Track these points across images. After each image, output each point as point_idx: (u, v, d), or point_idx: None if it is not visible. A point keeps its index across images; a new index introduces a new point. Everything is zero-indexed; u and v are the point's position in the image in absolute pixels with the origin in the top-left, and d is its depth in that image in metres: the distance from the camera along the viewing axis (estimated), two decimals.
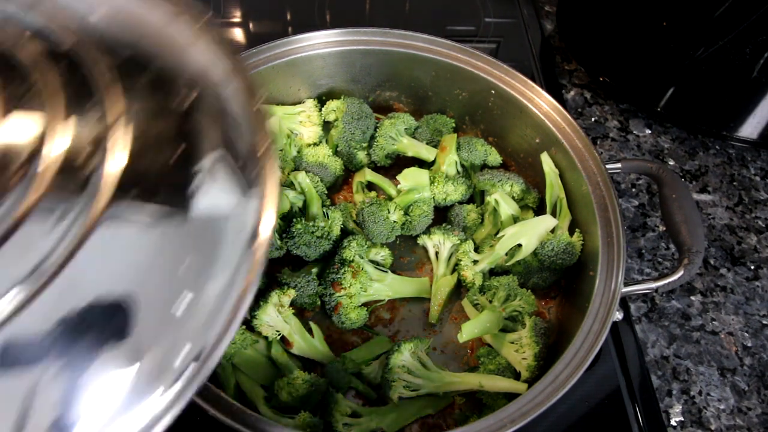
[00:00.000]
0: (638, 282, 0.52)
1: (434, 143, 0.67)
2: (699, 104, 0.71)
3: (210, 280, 0.33)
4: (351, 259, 0.58)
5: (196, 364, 0.31)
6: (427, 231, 0.63)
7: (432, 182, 0.63)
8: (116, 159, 0.32)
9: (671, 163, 0.73)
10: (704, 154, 0.74)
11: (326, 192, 0.65)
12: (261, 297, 0.54)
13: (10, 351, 0.28)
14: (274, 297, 0.54)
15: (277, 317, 0.54)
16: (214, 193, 0.35)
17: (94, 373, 0.29)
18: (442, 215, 0.65)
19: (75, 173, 0.32)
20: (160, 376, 0.31)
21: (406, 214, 0.63)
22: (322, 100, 0.69)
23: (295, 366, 0.54)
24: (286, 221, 0.60)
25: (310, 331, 0.56)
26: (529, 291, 0.58)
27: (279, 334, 0.54)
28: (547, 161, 0.61)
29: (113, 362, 0.30)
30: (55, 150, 0.31)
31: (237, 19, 0.85)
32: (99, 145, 0.32)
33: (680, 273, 0.51)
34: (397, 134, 0.66)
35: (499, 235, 0.59)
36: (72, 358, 0.29)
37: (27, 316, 0.28)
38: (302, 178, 0.62)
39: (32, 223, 0.29)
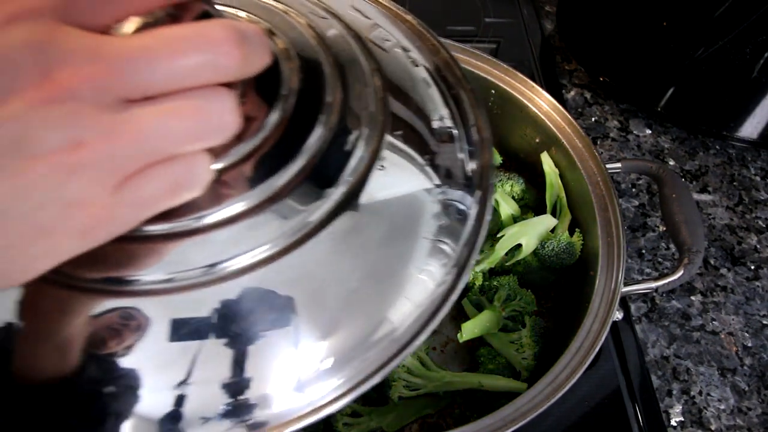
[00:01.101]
0: (638, 282, 0.52)
1: None
2: (699, 104, 0.71)
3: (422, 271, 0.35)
4: None
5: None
6: None
7: None
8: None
9: (671, 163, 0.72)
10: (704, 154, 0.74)
11: None
12: None
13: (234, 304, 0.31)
14: None
15: None
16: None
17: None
18: None
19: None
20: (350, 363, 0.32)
21: None
22: None
23: None
24: None
25: None
26: (529, 291, 0.58)
27: None
28: (547, 161, 0.61)
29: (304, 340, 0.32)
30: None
31: None
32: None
33: (680, 273, 0.51)
34: None
35: (499, 235, 0.59)
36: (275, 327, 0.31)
37: (259, 275, 0.31)
38: None
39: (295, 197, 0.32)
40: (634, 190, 0.70)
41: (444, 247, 0.35)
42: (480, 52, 0.64)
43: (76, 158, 0.22)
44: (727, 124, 0.71)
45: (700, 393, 0.56)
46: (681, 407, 0.55)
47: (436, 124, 0.39)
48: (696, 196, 0.69)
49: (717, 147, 0.74)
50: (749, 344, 0.59)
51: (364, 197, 0.33)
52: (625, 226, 0.54)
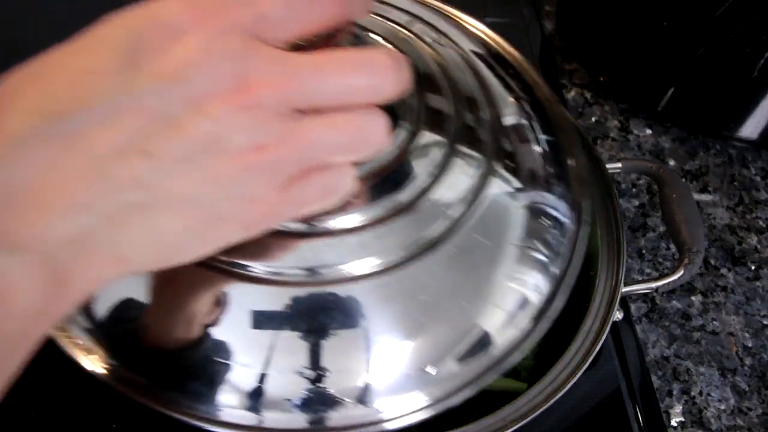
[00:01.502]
0: (638, 282, 0.52)
1: None
2: (699, 104, 0.71)
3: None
4: None
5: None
6: None
7: None
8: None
9: (672, 163, 0.72)
10: (705, 154, 0.74)
11: None
12: None
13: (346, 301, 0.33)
14: None
15: None
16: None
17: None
18: None
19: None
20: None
21: None
22: None
23: None
24: None
25: None
26: None
27: None
28: None
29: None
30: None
31: None
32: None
33: (680, 273, 0.51)
34: None
35: None
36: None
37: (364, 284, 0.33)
38: None
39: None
40: (634, 190, 0.70)
41: (543, 258, 0.38)
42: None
43: (257, 159, 0.25)
44: (728, 124, 0.71)
45: (701, 393, 0.55)
46: (681, 407, 0.55)
47: (539, 156, 0.43)
48: (696, 196, 0.69)
49: (717, 147, 0.74)
50: (749, 344, 0.59)
51: (479, 214, 0.36)
52: (625, 226, 0.54)
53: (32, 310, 0.24)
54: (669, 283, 0.51)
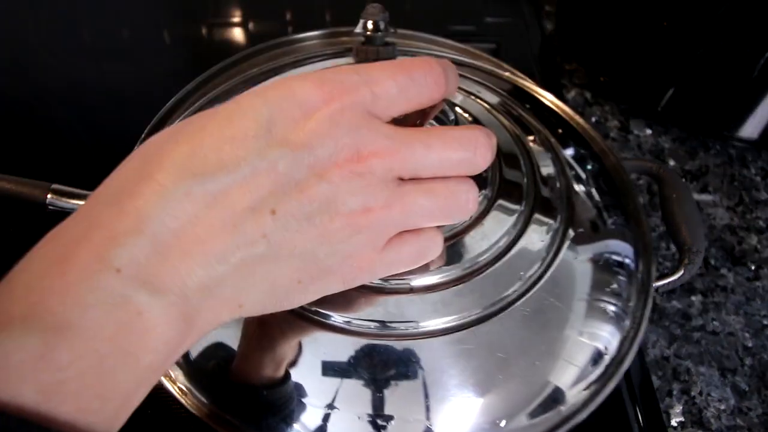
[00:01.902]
0: None
1: None
2: (699, 104, 0.71)
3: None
4: None
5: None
6: None
7: None
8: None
9: (672, 163, 0.72)
10: (705, 154, 0.74)
11: None
12: None
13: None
14: None
15: None
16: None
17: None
18: None
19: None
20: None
21: None
22: None
23: None
24: None
25: None
26: None
27: None
28: None
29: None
30: None
31: (236, 19, 0.85)
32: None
33: (680, 273, 0.51)
34: None
35: None
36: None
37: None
38: None
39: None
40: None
41: (614, 311, 0.40)
42: (480, 52, 0.64)
43: (364, 220, 0.29)
44: (728, 124, 0.71)
45: (701, 393, 0.55)
46: (681, 407, 0.55)
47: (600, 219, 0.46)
48: (696, 196, 0.69)
49: (717, 147, 0.74)
50: (750, 344, 0.58)
51: (552, 274, 0.38)
52: None
53: (165, 347, 0.26)
54: (669, 283, 0.51)
